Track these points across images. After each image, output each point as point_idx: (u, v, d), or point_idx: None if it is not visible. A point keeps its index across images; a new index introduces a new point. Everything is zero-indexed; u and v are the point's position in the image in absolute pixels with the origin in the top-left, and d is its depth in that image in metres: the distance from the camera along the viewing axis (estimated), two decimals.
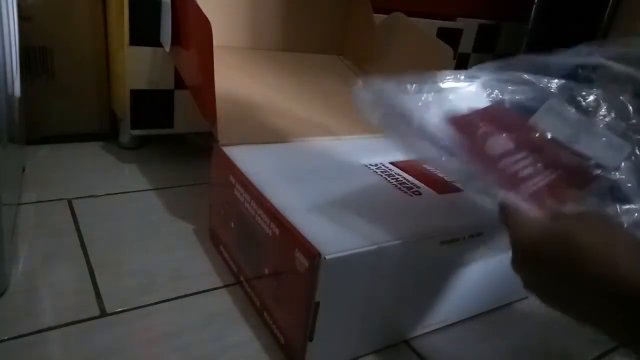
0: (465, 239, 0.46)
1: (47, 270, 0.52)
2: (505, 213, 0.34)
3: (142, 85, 0.75)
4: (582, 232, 0.30)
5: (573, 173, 0.33)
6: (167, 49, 0.70)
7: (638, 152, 0.34)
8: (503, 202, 0.33)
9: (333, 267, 0.39)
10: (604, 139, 0.34)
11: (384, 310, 0.46)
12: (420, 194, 0.51)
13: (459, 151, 0.33)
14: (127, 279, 0.53)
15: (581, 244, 0.29)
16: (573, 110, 0.35)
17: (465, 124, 0.35)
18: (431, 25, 1.05)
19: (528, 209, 0.32)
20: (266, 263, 0.47)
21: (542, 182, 0.33)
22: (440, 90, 0.39)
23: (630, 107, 0.38)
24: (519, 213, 0.32)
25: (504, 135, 0.35)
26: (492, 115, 0.37)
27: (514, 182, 0.32)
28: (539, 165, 0.33)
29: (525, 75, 0.39)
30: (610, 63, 0.37)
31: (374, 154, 0.60)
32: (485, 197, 0.34)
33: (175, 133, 0.82)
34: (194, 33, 0.61)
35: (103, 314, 0.47)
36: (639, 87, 0.38)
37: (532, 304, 0.56)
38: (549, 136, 0.34)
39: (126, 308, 0.48)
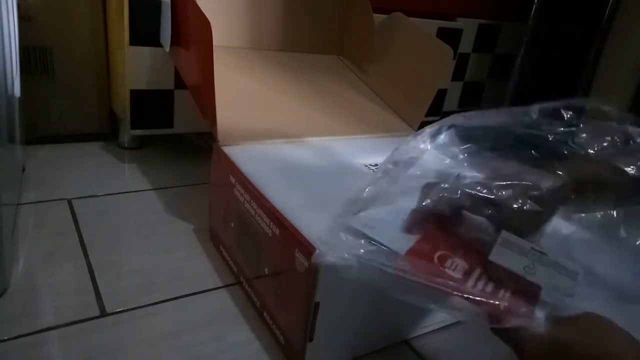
0: None
1: (47, 270, 0.52)
2: (506, 333, 0.35)
3: (142, 85, 0.75)
4: (576, 342, 0.32)
5: (521, 292, 0.36)
6: (167, 49, 0.70)
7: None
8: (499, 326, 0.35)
9: (333, 267, 0.39)
10: (556, 268, 0.37)
11: (384, 310, 0.46)
12: None
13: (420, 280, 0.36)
14: (127, 279, 0.53)
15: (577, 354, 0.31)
16: (525, 242, 0.38)
17: (419, 252, 0.38)
18: (431, 25, 1.05)
19: (526, 324, 0.33)
20: (266, 263, 0.47)
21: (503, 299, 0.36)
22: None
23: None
24: (520, 331, 0.33)
25: (456, 258, 0.38)
26: (436, 237, 0.40)
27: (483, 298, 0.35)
28: (493, 284, 0.37)
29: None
30: None
31: (373, 153, 0.60)
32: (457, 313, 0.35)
33: (175, 133, 0.82)
34: (194, 33, 0.61)
35: (103, 314, 0.47)
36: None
37: None
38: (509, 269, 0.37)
39: (126, 308, 0.48)
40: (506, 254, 0.37)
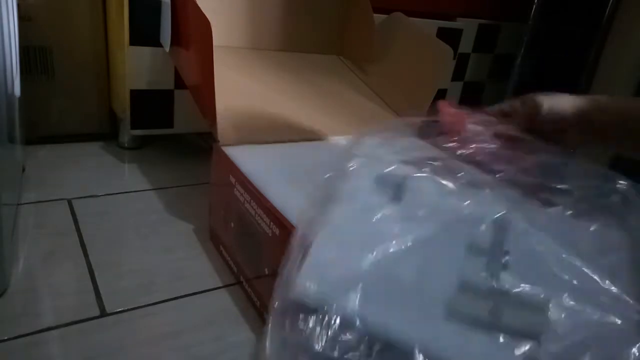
0: None
1: (47, 270, 0.52)
2: None
3: (142, 85, 0.75)
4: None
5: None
6: (167, 49, 0.70)
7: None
8: None
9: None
10: (521, 306, 0.33)
11: None
12: None
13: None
14: (127, 279, 0.53)
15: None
16: (486, 282, 0.34)
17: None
18: (431, 25, 1.05)
19: None
20: (266, 263, 0.47)
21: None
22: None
23: None
24: None
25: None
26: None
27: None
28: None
29: None
30: None
31: None
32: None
33: (175, 133, 0.82)
34: (194, 33, 0.61)
35: (103, 314, 0.47)
36: None
37: None
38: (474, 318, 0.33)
39: (126, 308, 0.48)
40: (467, 300, 0.33)
